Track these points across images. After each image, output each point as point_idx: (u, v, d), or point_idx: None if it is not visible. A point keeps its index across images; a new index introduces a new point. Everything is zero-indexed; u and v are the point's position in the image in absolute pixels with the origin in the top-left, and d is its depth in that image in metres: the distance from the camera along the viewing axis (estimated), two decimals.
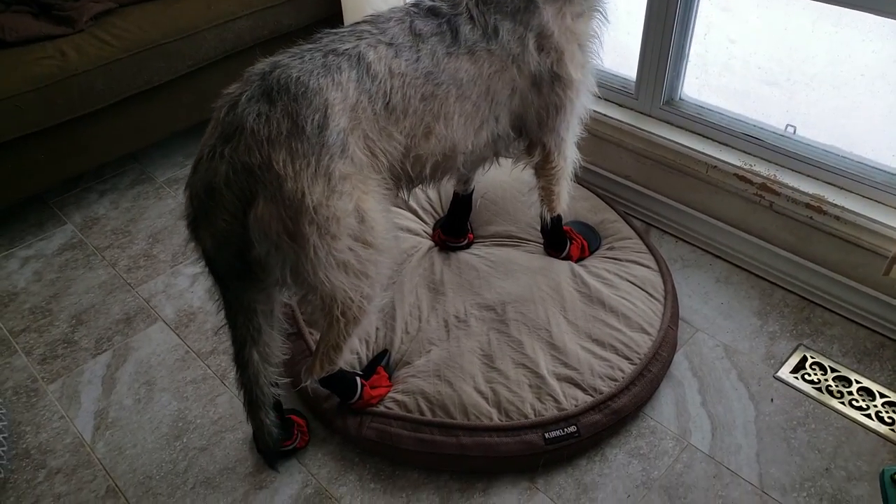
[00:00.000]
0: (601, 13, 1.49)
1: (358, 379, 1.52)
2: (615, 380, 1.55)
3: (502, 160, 1.62)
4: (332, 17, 2.48)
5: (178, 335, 1.85)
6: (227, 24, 2.28)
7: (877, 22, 1.58)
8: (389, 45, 1.26)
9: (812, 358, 1.69)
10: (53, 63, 2.01)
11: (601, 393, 1.53)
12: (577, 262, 1.85)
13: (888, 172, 1.67)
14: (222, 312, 1.32)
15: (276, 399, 1.44)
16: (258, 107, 1.15)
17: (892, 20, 1.52)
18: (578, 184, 2.06)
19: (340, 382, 1.49)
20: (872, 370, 1.66)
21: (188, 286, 1.99)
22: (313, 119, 1.16)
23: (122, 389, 1.71)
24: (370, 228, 1.24)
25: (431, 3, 1.34)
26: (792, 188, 1.75)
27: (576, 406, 1.50)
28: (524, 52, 1.37)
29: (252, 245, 1.18)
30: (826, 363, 1.67)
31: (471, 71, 1.33)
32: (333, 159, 1.17)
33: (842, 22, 1.93)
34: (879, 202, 1.68)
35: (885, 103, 1.90)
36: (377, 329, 1.69)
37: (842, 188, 1.73)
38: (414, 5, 1.35)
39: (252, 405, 1.40)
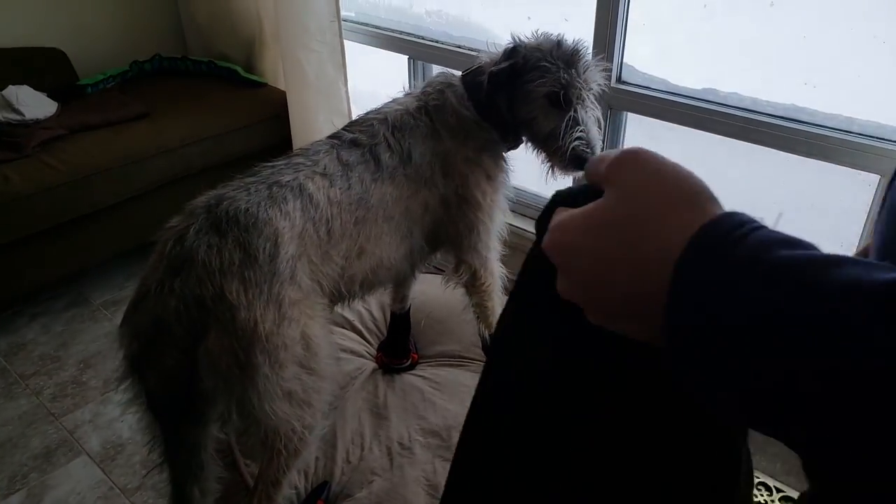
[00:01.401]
0: (502, 158, 1.56)
1: None
2: None
3: (441, 280, 1.66)
4: (282, 142, 2.56)
5: (102, 470, 1.73)
6: (176, 151, 2.32)
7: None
8: (324, 175, 1.33)
9: (757, 478, 1.68)
10: None
11: None
12: None
13: None
14: (155, 451, 1.25)
15: None
16: (208, 238, 1.16)
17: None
18: None
19: None
20: None
21: (118, 415, 1.89)
22: (265, 248, 1.18)
23: None
24: (314, 355, 1.24)
25: (351, 136, 1.42)
26: None
27: None
28: (433, 174, 1.46)
29: (200, 380, 1.15)
30: (770, 483, 1.67)
31: (394, 193, 1.41)
32: (284, 286, 1.19)
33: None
34: None
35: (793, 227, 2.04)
36: (317, 458, 1.62)
37: None
38: (335, 137, 1.44)
39: None
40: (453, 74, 1.58)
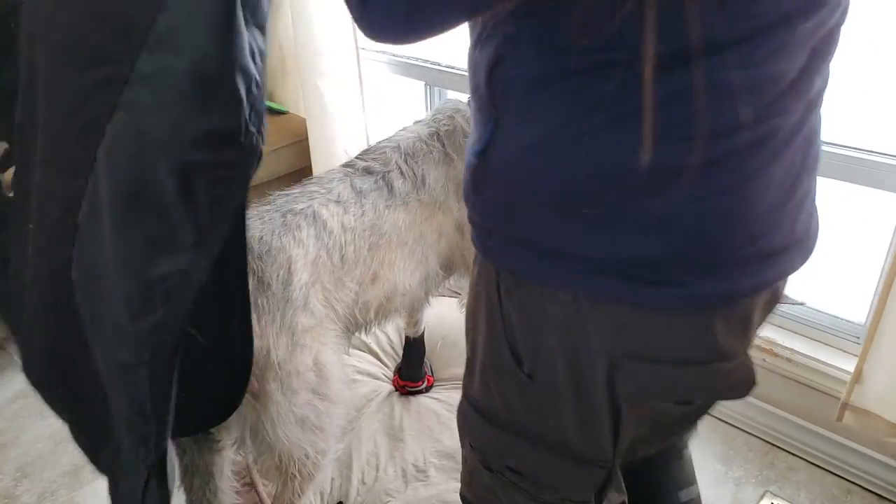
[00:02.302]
0: None
1: None
2: None
3: (457, 303, 1.68)
4: (303, 169, 2.62)
5: None
6: None
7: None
8: (338, 202, 1.36)
9: None
10: None
11: None
12: None
13: (832, 316, 1.73)
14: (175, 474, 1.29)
15: None
16: None
17: None
18: None
19: None
20: None
21: None
22: (278, 275, 1.21)
23: None
24: (326, 380, 1.26)
25: (364, 164, 1.46)
26: None
27: None
28: (447, 198, 1.49)
29: None
30: None
31: (406, 219, 1.43)
32: (296, 313, 1.21)
33: None
34: (826, 344, 1.73)
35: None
36: (332, 479, 1.64)
37: (790, 331, 1.78)
38: (348, 165, 1.47)
39: None
40: (460, 101, 1.61)
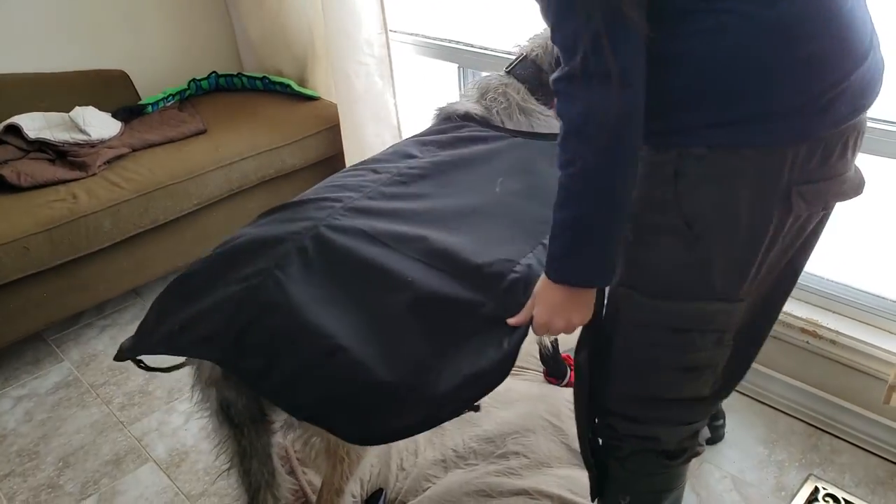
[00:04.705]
0: None
1: None
2: None
3: None
4: (335, 155, 2.61)
5: (168, 476, 1.79)
6: (233, 165, 2.40)
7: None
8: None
9: (824, 489, 1.62)
10: (64, 206, 2.09)
11: None
12: None
13: (876, 296, 1.69)
14: (223, 457, 1.29)
15: None
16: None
17: None
18: None
19: None
20: (888, 501, 1.59)
21: (182, 423, 1.95)
22: None
23: None
24: None
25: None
26: (785, 312, 1.76)
27: None
28: None
29: None
30: (839, 494, 1.61)
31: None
32: None
33: None
34: (871, 325, 1.69)
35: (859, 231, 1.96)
36: (371, 466, 1.64)
37: (834, 312, 1.74)
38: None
39: None
40: (501, 75, 1.58)
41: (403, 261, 1.16)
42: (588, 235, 0.94)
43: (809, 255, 1.12)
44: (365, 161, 1.47)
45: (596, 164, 0.90)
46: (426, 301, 1.12)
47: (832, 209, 1.06)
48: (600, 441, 1.22)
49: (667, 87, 0.91)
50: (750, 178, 0.92)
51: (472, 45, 2.25)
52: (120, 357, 1.22)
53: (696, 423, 1.17)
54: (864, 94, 0.95)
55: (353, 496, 1.56)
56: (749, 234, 0.96)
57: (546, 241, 1.02)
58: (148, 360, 1.26)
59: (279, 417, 1.23)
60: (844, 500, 1.59)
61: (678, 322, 1.03)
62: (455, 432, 1.72)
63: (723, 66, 0.89)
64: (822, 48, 0.89)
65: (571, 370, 1.85)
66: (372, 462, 1.64)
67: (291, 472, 1.64)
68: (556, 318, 1.03)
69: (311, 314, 1.08)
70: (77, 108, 2.43)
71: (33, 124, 2.35)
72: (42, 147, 2.33)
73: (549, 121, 1.53)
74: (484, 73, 2.26)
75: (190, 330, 1.14)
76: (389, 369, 1.05)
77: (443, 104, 1.62)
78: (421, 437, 1.71)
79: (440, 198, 1.33)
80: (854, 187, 1.03)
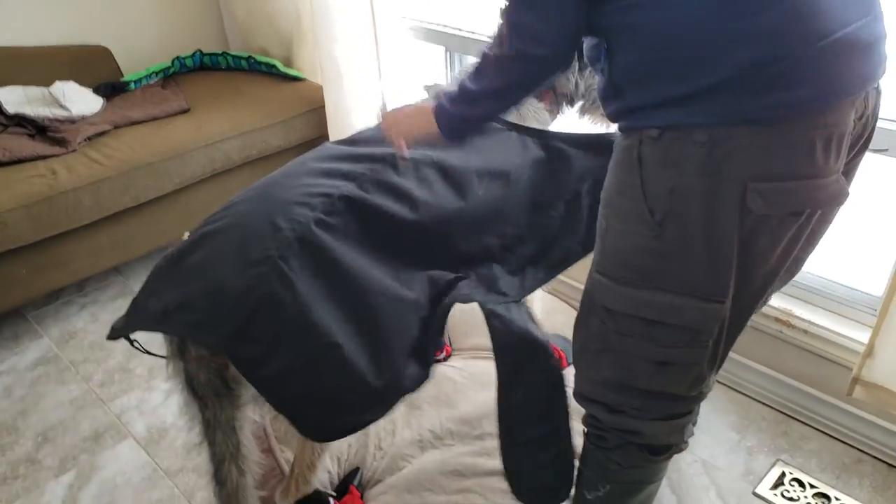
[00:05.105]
0: None
1: (331, 500, 1.48)
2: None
3: None
4: (319, 137, 2.60)
5: (147, 452, 1.80)
6: (216, 145, 2.38)
7: None
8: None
9: (791, 474, 1.67)
10: (44, 181, 2.08)
11: None
12: None
13: (849, 287, 1.73)
14: (195, 430, 1.30)
15: None
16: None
17: None
18: (555, 297, 2.10)
19: None
20: (851, 486, 1.63)
21: (162, 401, 1.96)
22: None
23: None
24: None
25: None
26: None
27: None
28: None
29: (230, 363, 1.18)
30: (805, 479, 1.65)
31: None
32: None
33: None
34: (843, 315, 1.73)
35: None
36: (349, 445, 1.66)
37: (808, 302, 1.78)
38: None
39: None
40: None
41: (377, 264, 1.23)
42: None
43: (805, 258, 1.14)
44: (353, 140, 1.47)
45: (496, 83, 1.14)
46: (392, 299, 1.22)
47: (817, 215, 0.99)
48: (584, 430, 1.24)
49: (621, 63, 0.93)
50: (698, 164, 0.90)
51: (460, 29, 2.24)
52: (113, 335, 1.21)
53: (680, 419, 1.17)
54: (829, 80, 0.87)
55: (329, 471, 1.59)
56: (709, 229, 0.94)
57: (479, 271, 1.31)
58: (148, 345, 1.25)
59: (246, 392, 1.24)
60: (809, 484, 1.64)
61: (647, 312, 1.03)
62: (432, 413, 1.74)
63: (668, 40, 0.88)
64: (774, 22, 0.84)
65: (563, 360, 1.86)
66: (350, 441, 1.66)
67: (268, 450, 1.66)
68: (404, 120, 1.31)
69: (316, 311, 1.09)
70: (57, 83, 2.40)
71: (12, 97, 2.32)
72: (21, 122, 2.30)
73: (540, 114, 1.53)
74: (471, 59, 2.26)
75: (186, 310, 1.12)
76: (377, 372, 1.12)
77: (430, 83, 1.63)
78: (399, 418, 1.73)
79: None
80: (831, 196, 0.96)
